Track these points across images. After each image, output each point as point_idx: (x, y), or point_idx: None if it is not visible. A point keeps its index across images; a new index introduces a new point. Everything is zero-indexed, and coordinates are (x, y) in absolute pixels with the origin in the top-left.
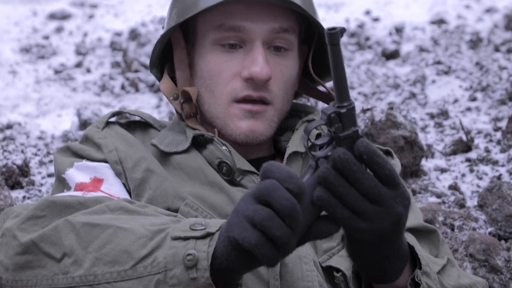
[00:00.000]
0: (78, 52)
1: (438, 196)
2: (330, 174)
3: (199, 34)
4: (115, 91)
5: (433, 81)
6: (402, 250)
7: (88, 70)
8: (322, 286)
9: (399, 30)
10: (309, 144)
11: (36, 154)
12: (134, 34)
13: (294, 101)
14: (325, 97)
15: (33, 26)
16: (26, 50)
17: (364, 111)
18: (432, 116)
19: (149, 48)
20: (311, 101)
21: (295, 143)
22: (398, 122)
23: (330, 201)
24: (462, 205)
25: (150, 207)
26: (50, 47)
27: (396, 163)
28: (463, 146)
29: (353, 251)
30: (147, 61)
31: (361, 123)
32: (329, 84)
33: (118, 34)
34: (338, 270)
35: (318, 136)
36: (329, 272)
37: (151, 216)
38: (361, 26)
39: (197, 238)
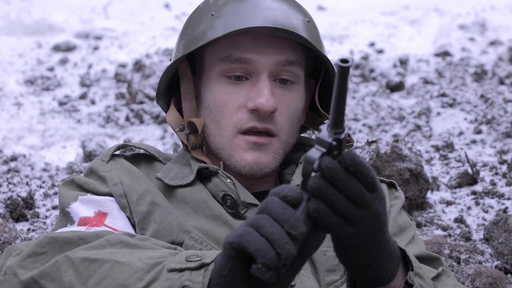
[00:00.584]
0: (83, 84)
1: (444, 229)
2: (323, 184)
3: (206, 65)
4: (119, 122)
5: (438, 114)
6: (391, 250)
7: (93, 102)
8: None
9: (403, 62)
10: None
11: (40, 186)
12: (138, 66)
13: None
14: None
15: (37, 58)
16: (30, 82)
17: (369, 143)
18: (437, 148)
19: (153, 80)
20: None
21: (299, 176)
22: (403, 154)
23: (326, 212)
24: (468, 238)
25: (150, 240)
26: (55, 78)
27: (399, 196)
28: (469, 179)
29: (343, 256)
30: (151, 93)
31: (366, 156)
32: None
33: (123, 65)
34: None
35: None
36: None
37: (150, 250)
38: (365, 58)
39: (192, 269)
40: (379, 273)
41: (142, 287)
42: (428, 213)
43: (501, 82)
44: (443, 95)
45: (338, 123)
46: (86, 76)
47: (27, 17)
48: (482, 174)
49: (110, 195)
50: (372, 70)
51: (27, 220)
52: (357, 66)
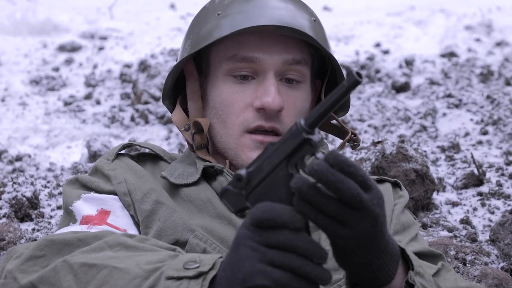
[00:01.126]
0: (88, 84)
1: (450, 230)
2: (303, 184)
3: (212, 65)
4: (124, 122)
5: (444, 114)
6: (390, 250)
7: (98, 102)
8: None
9: (409, 63)
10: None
11: (45, 186)
12: (143, 66)
13: None
14: (338, 131)
15: (43, 58)
16: (36, 82)
17: (374, 144)
18: (443, 149)
19: (158, 80)
20: (321, 134)
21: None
22: (409, 155)
23: (310, 210)
24: (474, 240)
25: (150, 240)
26: (60, 79)
27: (403, 195)
28: (475, 180)
29: (341, 258)
30: (156, 93)
31: (372, 156)
32: (341, 118)
33: (128, 66)
34: None
35: None
36: None
37: (149, 252)
38: (371, 58)
39: (190, 278)
40: (379, 273)
41: None
42: (433, 214)
43: (507, 83)
44: (449, 95)
45: (316, 124)
46: (91, 76)
47: (32, 17)
48: (488, 175)
49: (114, 193)
50: (377, 71)
51: (31, 220)
52: (362, 67)
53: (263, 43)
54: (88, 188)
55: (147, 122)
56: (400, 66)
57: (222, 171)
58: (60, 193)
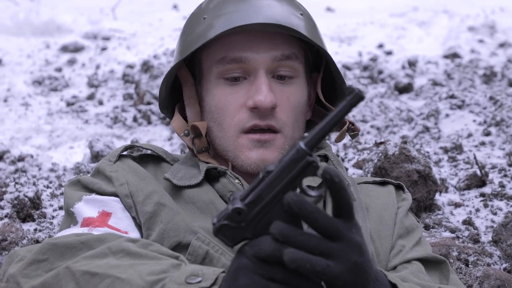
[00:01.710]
0: (91, 84)
1: (452, 231)
2: (283, 227)
3: (204, 69)
4: (127, 123)
5: (447, 115)
6: (381, 279)
7: (100, 102)
8: None
9: (412, 63)
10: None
11: (48, 187)
12: (146, 67)
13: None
14: (339, 124)
15: (45, 58)
16: (38, 82)
17: (377, 144)
18: (446, 150)
19: (161, 81)
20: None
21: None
22: (411, 156)
23: (303, 257)
24: (476, 241)
25: (153, 245)
26: (63, 79)
27: (407, 197)
28: (477, 181)
29: None
30: None
31: (374, 157)
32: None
33: (131, 66)
34: None
35: None
36: None
37: (152, 261)
38: (374, 59)
39: None
40: None
41: None
42: (436, 215)
43: (511, 84)
44: (452, 96)
45: (316, 145)
46: (94, 76)
47: (35, 17)
48: (491, 176)
49: (116, 195)
50: (380, 72)
51: (34, 220)
52: (365, 68)
53: (251, 42)
54: (90, 189)
55: (149, 122)
56: (403, 67)
57: (225, 173)
58: (62, 194)
